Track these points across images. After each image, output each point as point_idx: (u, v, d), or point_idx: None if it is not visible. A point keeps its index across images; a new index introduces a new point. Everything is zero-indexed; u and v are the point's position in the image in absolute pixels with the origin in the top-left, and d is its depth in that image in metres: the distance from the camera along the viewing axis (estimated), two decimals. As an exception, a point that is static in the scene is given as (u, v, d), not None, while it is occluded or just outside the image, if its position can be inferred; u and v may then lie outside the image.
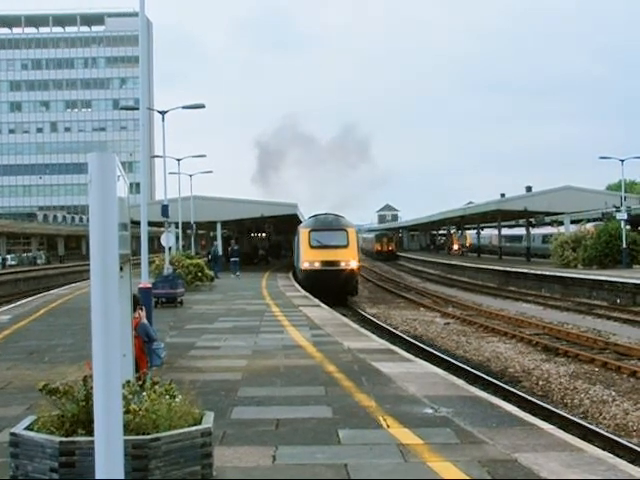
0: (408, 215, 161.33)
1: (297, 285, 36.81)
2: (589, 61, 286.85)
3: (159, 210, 32.08)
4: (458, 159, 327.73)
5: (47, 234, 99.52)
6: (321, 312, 22.99)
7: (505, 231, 75.43)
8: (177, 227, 45.89)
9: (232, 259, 45.70)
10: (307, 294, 30.37)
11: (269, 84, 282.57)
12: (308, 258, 36.72)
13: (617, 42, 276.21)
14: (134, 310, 10.09)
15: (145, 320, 11.97)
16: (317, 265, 36.18)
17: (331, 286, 34.69)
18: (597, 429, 12.27)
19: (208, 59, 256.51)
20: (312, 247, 37.05)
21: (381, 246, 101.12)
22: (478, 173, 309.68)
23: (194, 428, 5.89)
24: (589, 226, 47.49)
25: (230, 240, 52.52)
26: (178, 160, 45.16)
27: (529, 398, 14.62)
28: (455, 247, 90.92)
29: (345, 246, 36.87)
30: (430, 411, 9.18)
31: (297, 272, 40.57)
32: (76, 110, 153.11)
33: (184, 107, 32.13)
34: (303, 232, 38.34)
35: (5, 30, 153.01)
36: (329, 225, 38.31)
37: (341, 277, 35.83)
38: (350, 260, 36.41)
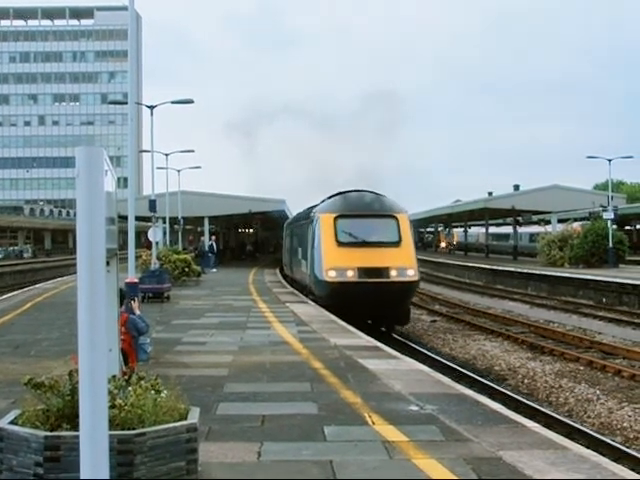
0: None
1: (284, 281, 36.41)
2: (579, 62, 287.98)
3: (146, 205, 32.07)
4: (446, 158, 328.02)
5: (34, 228, 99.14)
6: (308, 309, 22.96)
7: (492, 229, 75.62)
8: (164, 222, 45.80)
9: (209, 254, 45.94)
10: (294, 290, 30.12)
11: (260, 79, 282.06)
12: (335, 263, 23.07)
13: (602, 42, 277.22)
14: (121, 304, 10.07)
15: (138, 312, 11.93)
16: (351, 275, 22.66)
17: (375, 308, 22.70)
18: (582, 427, 12.34)
19: (199, 54, 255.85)
20: (341, 244, 23.55)
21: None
22: (466, 172, 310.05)
23: (179, 423, 5.89)
24: (576, 225, 47.73)
25: (211, 236, 52.49)
26: (166, 155, 45.13)
27: (514, 396, 14.69)
28: (442, 245, 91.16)
29: (396, 243, 23.40)
30: (415, 408, 9.18)
31: (310, 284, 25.79)
32: (64, 104, 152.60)
33: (173, 102, 32.12)
34: (324, 219, 24.30)
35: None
36: (368, 208, 24.31)
37: (392, 295, 22.36)
38: (407, 267, 22.94)
